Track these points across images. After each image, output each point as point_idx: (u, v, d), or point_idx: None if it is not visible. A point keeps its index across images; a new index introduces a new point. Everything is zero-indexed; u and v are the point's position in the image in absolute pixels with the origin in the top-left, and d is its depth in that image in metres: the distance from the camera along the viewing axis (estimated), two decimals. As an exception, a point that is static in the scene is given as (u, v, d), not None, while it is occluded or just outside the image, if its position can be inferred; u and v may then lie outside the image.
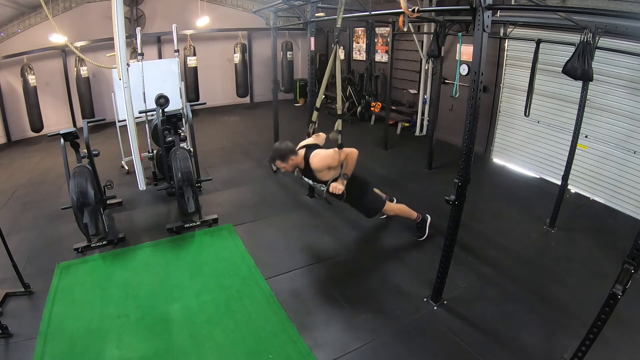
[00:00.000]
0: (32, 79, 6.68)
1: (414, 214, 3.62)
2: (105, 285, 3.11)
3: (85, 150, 3.71)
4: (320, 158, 2.99)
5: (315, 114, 3.31)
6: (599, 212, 4.29)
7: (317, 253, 3.52)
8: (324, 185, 3.12)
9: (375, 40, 7.52)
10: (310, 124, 3.37)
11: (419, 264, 3.36)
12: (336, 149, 2.97)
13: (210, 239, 3.79)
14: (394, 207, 3.59)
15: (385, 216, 4.07)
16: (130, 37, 6.29)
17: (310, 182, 3.24)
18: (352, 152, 3.02)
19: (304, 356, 2.42)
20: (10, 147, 6.91)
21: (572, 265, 3.31)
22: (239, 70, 8.74)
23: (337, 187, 2.99)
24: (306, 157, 3.05)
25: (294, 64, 9.53)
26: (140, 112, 4.43)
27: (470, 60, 2.97)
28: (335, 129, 2.98)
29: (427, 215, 3.69)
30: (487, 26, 2.15)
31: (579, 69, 3.15)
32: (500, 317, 2.73)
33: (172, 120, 4.16)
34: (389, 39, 6.40)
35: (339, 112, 3.05)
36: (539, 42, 4.15)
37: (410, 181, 5.08)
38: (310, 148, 3.11)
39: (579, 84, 3.41)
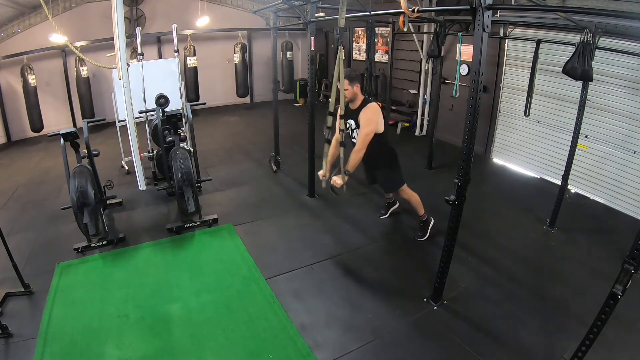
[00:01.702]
0: (32, 79, 6.67)
1: (421, 210, 3.65)
2: (105, 285, 3.10)
3: (85, 150, 3.71)
4: (373, 109, 3.19)
5: (329, 119, 3.01)
6: (599, 212, 4.29)
7: (317, 253, 3.51)
8: (356, 128, 3.28)
9: (375, 40, 7.50)
10: (327, 130, 3.11)
11: (419, 264, 3.36)
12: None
13: (210, 239, 3.79)
14: (409, 191, 3.62)
15: (386, 215, 4.09)
16: (130, 37, 6.29)
17: (353, 125, 3.34)
18: (361, 149, 3.16)
19: (304, 356, 2.42)
20: (10, 147, 6.91)
21: (572, 265, 3.31)
22: (239, 70, 8.74)
23: (337, 182, 3.10)
24: (364, 101, 3.24)
25: (294, 64, 9.52)
26: (140, 112, 4.43)
27: (470, 60, 2.97)
28: (337, 129, 3.01)
29: (431, 217, 3.70)
30: (487, 26, 2.15)
31: (579, 69, 3.15)
32: (500, 317, 2.73)
33: (172, 120, 4.16)
34: (389, 39, 6.40)
35: (342, 112, 3.05)
36: (539, 42, 4.15)
37: (410, 181, 5.00)
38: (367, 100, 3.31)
39: (579, 84, 3.41)
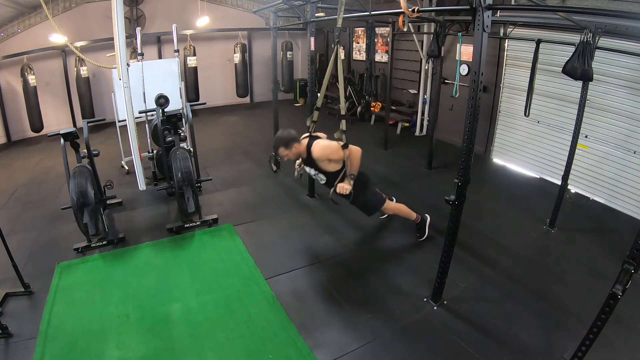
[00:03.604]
0: (32, 79, 6.67)
1: (413, 215, 3.62)
2: (105, 285, 3.11)
3: (85, 150, 3.71)
4: (321, 147, 3.05)
5: (316, 113, 3.28)
6: (599, 212, 4.29)
7: (317, 253, 3.52)
8: (323, 177, 3.17)
9: (375, 40, 7.51)
10: (312, 124, 3.33)
11: (419, 264, 3.36)
12: (339, 143, 2.99)
13: (210, 239, 3.79)
14: (393, 206, 3.59)
15: (385, 216, 4.08)
16: (130, 37, 6.29)
17: (312, 172, 3.27)
18: (355, 151, 3.04)
19: (304, 356, 2.42)
20: (10, 147, 6.91)
21: (572, 265, 3.31)
22: (239, 70, 8.74)
23: (344, 187, 3.03)
24: (308, 146, 3.11)
25: (294, 64, 9.53)
26: (140, 112, 4.43)
27: (470, 60, 2.97)
28: (339, 128, 2.99)
29: (427, 215, 3.69)
30: (487, 26, 2.15)
31: (579, 69, 3.15)
32: (500, 317, 2.73)
33: (172, 120, 4.16)
34: (389, 39, 6.40)
35: (343, 112, 3.05)
36: (539, 42, 4.15)
37: (410, 181, 5.08)
38: (313, 138, 3.17)
39: (579, 84, 3.41)
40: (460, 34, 5.17)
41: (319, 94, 3.17)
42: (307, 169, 3.30)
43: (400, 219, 3.98)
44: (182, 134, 4.24)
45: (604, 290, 1.93)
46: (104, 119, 4.92)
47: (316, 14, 4.31)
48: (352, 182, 3.04)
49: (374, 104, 7.69)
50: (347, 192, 3.02)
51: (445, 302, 2.86)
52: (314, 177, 3.34)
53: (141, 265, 3.38)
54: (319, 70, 9.06)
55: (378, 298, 2.94)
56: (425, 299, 2.89)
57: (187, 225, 3.91)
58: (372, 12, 3.54)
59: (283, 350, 2.46)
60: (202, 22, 7.71)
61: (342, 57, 3.14)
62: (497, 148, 5.78)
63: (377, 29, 7.47)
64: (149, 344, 2.51)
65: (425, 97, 6.91)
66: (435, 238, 3.63)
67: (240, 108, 9.32)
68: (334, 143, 3.03)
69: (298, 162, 3.43)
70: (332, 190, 3.09)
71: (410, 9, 2.51)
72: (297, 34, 9.59)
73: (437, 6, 5.42)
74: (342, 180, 3.07)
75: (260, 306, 2.85)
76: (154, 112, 4.31)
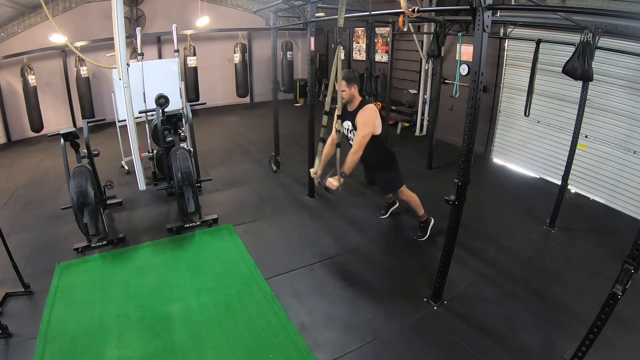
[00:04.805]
0: (32, 79, 6.67)
1: (421, 210, 3.64)
2: (105, 285, 3.11)
3: (85, 150, 3.71)
4: (372, 109, 3.19)
5: (325, 118, 3.13)
6: (599, 212, 4.29)
7: (317, 253, 3.51)
8: (353, 130, 3.25)
9: (375, 40, 7.50)
10: (322, 129, 3.29)
11: (419, 264, 3.36)
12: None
13: (210, 239, 3.79)
14: (408, 192, 3.61)
15: (386, 215, 4.09)
16: (130, 37, 6.29)
17: (349, 127, 3.32)
18: (358, 151, 3.11)
19: (304, 356, 2.42)
20: (10, 147, 6.91)
21: (572, 265, 3.31)
22: (239, 70, 8.74)
23: (332, 184, 3.06)
24: (362, 103, 3.25)
25: (294, 64, 9.53)
26: (140, 112, 4.42)
27: (470, 60, 2.97)
28: (334, 129, 2.99)
29: (431, 217, 3.70)
30: (487, 26, 2.15)
31: (579, 69, 3.15)
32: (500, 317, 2.73)
33: (172, 120, 4.16)
34: (389, 39, 6.40)
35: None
36: (539, 42, 4.15)
37: (410, 181, 5.00)
38: (368, 102, 3.34)
39: (579, 84, 3.41)
40: (460, 34, 5.17)
41: (326, 99, 3.13)
42: (346, 124, 3.33)
43: (400, 219, 3.99)
44: (182, 134, 4.24)
45: (604, 290, 1.93)
46: (104, 119, 4.92)
47: (316, 14, 4.30)
48: (342, 181, 3.03)
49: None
50: (335, 188, 3.06)
51: (445, 302, 2.86)
52: (347, 134, 3.36)
53: (141, 265, 3.38)
54: (318, 70, 9.08)
55: (378, 298, 2.94)
56: (425, 299, 2.89)
57: (187, 225, 3.91)
58: (372, 12, 3.54)
59: (283, 350, 2.46)
60: (202, 22, 7.71)
61: (342, 57, 3.13)
62: (497, 148, 5.78)
63: (377, 29, 7.46)
64: (149, 344, 2.51)
65: (425, 97, 6.91)
66: (436, 238, 3.63)
67: (240, 108, 9.32)
68: (376, 120, 3.19)
69: (313, 170, 3.35)
70: (324, 180, 3.14)
71: (410, 9, 2.51)
72: (297, 34, 9.59)
73: (437, 6, 5.42)
74: (334, 175, 3.09)
75: (260, 306, 2.85)
76: (154, 112, 4.30)
